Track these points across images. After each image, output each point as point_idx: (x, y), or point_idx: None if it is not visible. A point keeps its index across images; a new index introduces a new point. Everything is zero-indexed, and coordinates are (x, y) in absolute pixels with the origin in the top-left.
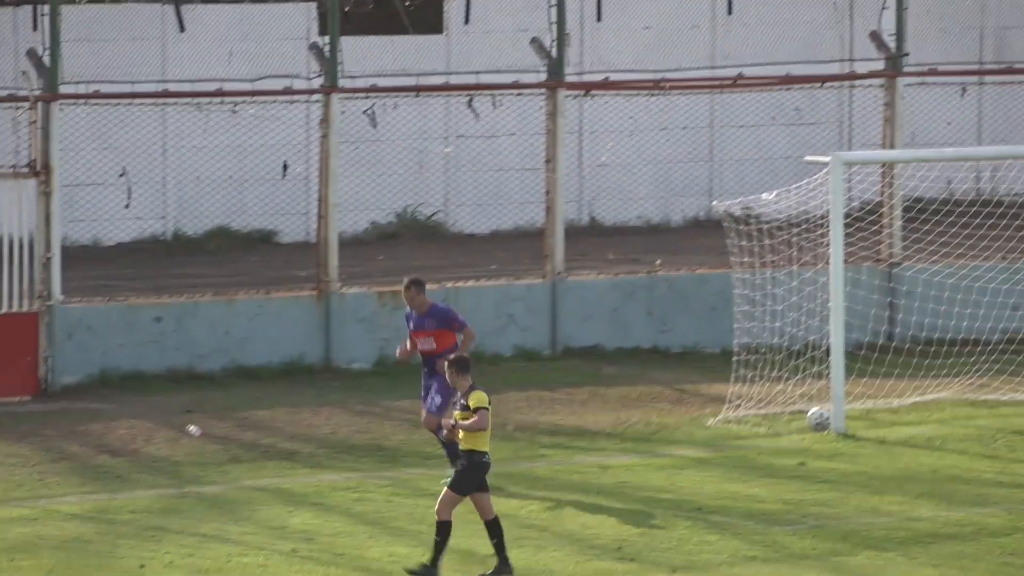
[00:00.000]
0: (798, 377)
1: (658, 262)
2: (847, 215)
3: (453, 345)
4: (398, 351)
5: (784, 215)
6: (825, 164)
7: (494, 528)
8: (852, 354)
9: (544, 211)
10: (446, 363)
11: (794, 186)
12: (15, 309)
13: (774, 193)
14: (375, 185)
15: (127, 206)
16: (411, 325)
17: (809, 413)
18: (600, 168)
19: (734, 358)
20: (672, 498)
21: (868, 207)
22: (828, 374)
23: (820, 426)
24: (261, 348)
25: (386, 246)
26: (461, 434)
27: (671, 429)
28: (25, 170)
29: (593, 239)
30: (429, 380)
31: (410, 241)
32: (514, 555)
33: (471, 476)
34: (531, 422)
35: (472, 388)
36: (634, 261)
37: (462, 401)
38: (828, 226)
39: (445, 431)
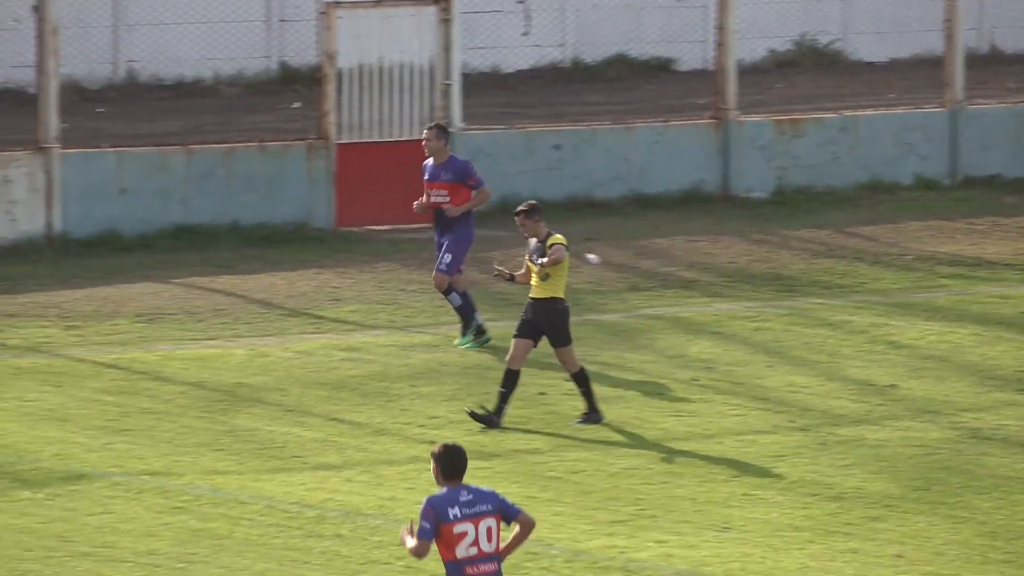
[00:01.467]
0: None
1: None
2: None
3: (465, 202)
4: (416, 204)
5: None
6: None
7: (580, 379)
8: None
9: (944, 39)
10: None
11: None
12: (416, 136)
13: None
14: (773, 12)
15: (526, 33)
16: (426, 175)
17: None
18: None
19: None
20: None
21: None
22: None
23: None
24: (659, 176)
25: (783, 74)
26: (534, 281)
27: None
28: None
29: (993, 67)
30: (440, 237)
31: (808, 69)
32: (913, 386)
33: (563, 325)
34: (930, 252)
35: (550, 233)
36: None
37: (538, 252)
38: None
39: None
